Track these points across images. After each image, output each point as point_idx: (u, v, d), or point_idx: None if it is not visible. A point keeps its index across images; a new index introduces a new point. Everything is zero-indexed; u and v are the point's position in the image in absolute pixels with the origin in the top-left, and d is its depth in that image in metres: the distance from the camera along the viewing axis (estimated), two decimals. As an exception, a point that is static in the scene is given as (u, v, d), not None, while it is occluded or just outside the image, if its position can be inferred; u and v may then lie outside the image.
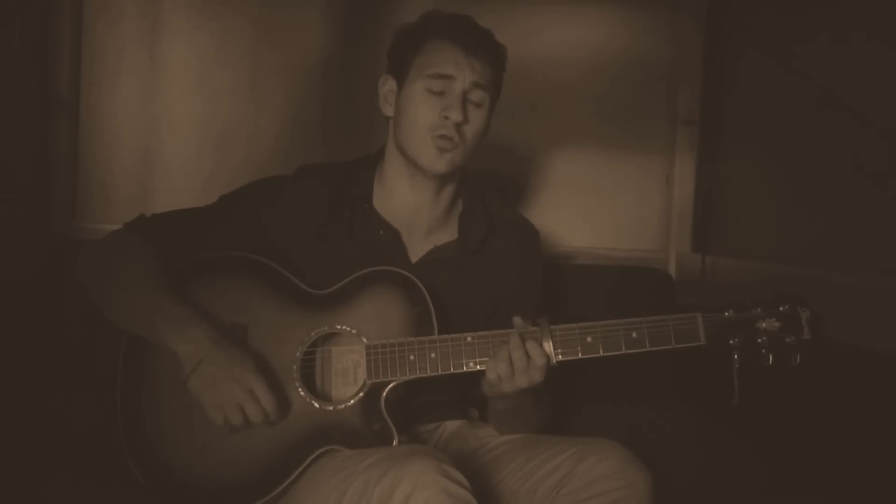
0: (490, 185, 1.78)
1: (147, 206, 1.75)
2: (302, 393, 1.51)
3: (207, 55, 2.25)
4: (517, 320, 1.49)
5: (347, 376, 1.55)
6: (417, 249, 1.67)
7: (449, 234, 1.70)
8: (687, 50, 2.41)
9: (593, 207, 2.42)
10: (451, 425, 1.70)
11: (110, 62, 2.21)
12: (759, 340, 1.44)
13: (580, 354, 1.46)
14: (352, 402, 1.51)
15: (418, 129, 1.59)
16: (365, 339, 1.52)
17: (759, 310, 1.45)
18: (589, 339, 1.46)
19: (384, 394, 1.50)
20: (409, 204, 1.67)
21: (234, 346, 1.47)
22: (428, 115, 1.58)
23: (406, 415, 1.56)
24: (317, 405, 1.51)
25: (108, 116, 2.22)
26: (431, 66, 1.58)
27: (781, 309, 1.44)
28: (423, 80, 1.58)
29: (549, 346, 1.45)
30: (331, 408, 1.51)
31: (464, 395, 1.69)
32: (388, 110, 1.66)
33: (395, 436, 1.48)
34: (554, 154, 2.40)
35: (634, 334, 1.45)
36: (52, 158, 2.16)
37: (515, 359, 1.44)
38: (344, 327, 1.54)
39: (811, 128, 2.01)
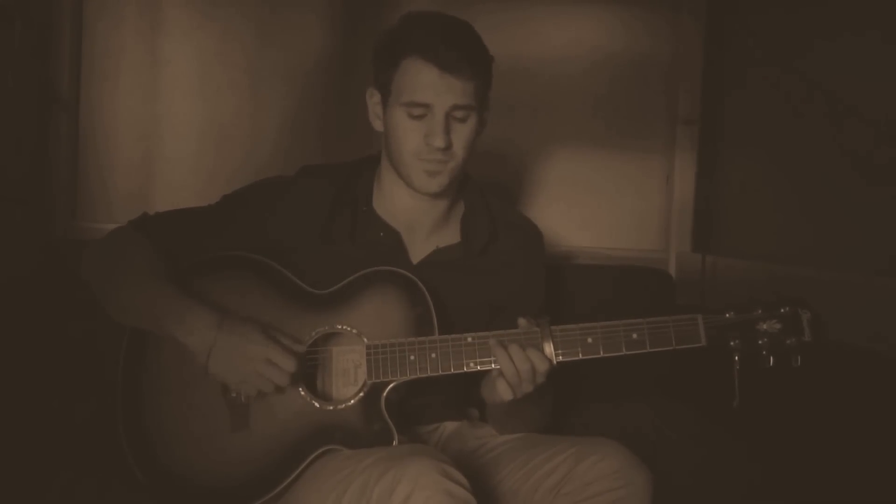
0: (489, 182, 1.78)
1: (147, 206, 1.75)
2: (302, 392, 1.51)
3: (208, 55, 2.25)
4: (522, 322, 1.49)
5: (348, 376, 1.55)
6: (419, 250, 1.67)
7: (451, 236, 1.69)
8: (687, 49, 2.41)
9: (593, 207, 2.42)
10: (450, 425, 1.70)
11: (111, 62, 2.21)
12: (760, 342, 1.44)
13: (580, 355, 1.46)
14: (352, 401, 1.51)
15: (405, 155, 1.56)
16: (365, 339, 1.52)
17: (760, 311, 1.45)
18: (589, 340, 1.46)
19: (384, 394, 1.50)
20: (409, 207, 1.66)
21: (237, 325, 1.47)
22: (412, 141, 1.55)
23: (406, 415, 1.56)
24: (317, 405, 1.51)
25: (109, 116, 2.22)
26: (407, 92, 1.53)
27: (782, 310, 1.44)
28: (401, 106, 1.54)
29: (549, 347, 1.45)
30: (331, 407, 1.51)
31: (464, 395, 1.69)
32: (378, 125, 1.63)
33: (395, 436, 1.48)
34: (554, 154, 2.40)
35: (635, 335, 1.45)
36: (53, 158, 2.16)
37: (522, 371, 1.43)
38: (345, 327, 1.54)
39: (811, 127, 2.01)
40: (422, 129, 1.54)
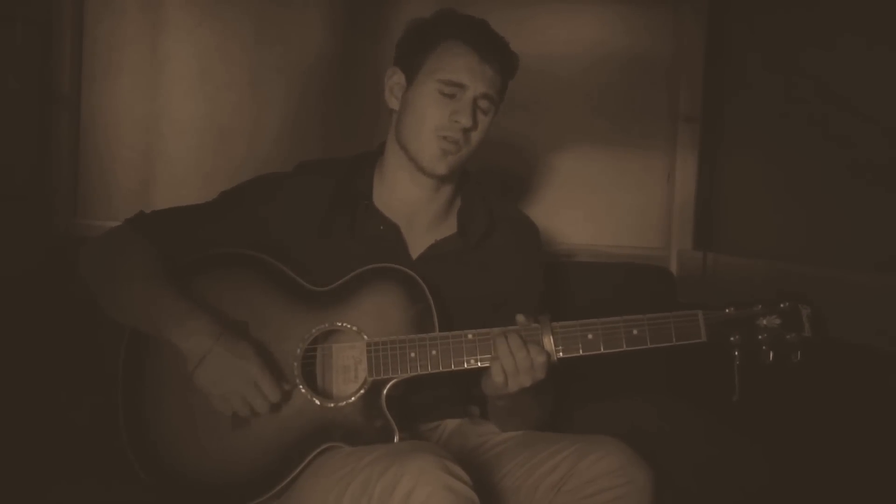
0: (490, 182, 1.78)
1: (148, 203, 1.75)
2: (303, 390, 1.51)
3: (208, 52, 2.25)
4: (520, 318, 1.49)
5: (348, 373, 1.55)
6: (418, 245, 1.67)
7: (449, 229, 1.70)
8: (688, 47, 2.41)
9: (594, 205, 2.42)
10: (452, 423, 1.70)
11: (112, 59, 2.21)
12: (760, 337, 1.44)
13: (581, 351, 1.46)
14: (353, 399, 1.51)
15: (424, 129, 1.59)
16: (366, 336, 1.52)
17: (760, 307, 1.45)
18: (590, 336, 1.46)
19: (385, 391, 1.50)
20: (410, 199, 1.66)
21: (236, 340, 1.48)
22: (436, 116, 1.58)
23: (407, 412, 1.56)
24: (318, 402, 1.51)
25: (110, 113, 2.22)
26: (445, 70, 1.58)
27: (782, 306, 1.44)
28: (434, 82, 1.58)
29: (549, 344, 1.45)
30: (332, 405, 1.51)
31: (465, 392, 1.69)
32: (394, 103, 1.66)
33: (396, 433, 1.48)
34: (555, 151, 2.40)
35: (635, 331, 1.45)
36: (54, 155, 2.16)
37: (519, 359, 1.44)
38: (345, 324, 1.54)
39: (812, 125, 2.01)
40: (449, 107, 1.58)
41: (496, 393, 1.50)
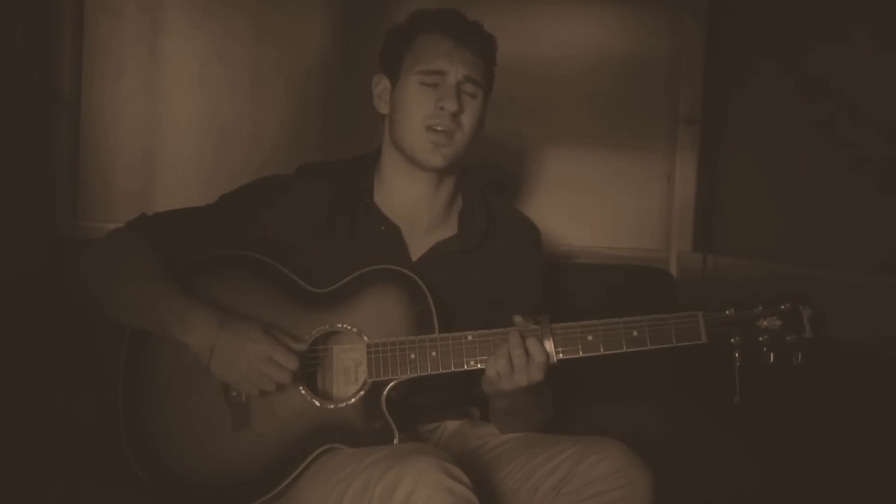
0: (489, 181, 1.78)
1: (148, 205, 1.75)
2: (303, 391, 1.52)
3: (208, 54, 2.26)
4: (518, 319, 1.49)
5: (348, 375, 1.55)
6: (418, 247, 1.67)
7: (449, 231, 1.70)
8: (688, 48, 2.41)
9: (594, 206, 2.42)
10: (451, 424, 1.70)
11: (111, 61, 2.22)
12: (761, 339, 1.44)
13: (581, 353, 1.46)
14: (353, 400, 1.51)
15: (413, 123, 1.59)
16: (366, 338, 1.52)
17: (761, 308, 1.45)
18: (590, 338, 1.46)
19: (385, 392, 1.50)
20: (410, 199, 1.67)
21: (239, 323, 1.48)
22: (422, 107, 1.58)
23: (407, 414, 1.56)
24: (318, 404, 1.51)
25: (110, 115, 2.23)
26: (423, 61, 1.59)
27: (783, 307, 1.44)
28: (415, 75, 1.59)
29: (549, 345, 1.45)
30: (332, 406, 1.51)
31: (465, 394, 1.69)
32: (383, 108, 1.67)
33: (396, 434, 1.49)
34: (555, 153, 2.40)
35: (635, 333, 1.45)
36: (54, 157, 2.17)
37: (515, 356, 1.44)
38: (345, 326, 1.54)
39: (812, 127, 2.01)
40: (433, 95, 1.58)
41: (494, 392, 1.50)
